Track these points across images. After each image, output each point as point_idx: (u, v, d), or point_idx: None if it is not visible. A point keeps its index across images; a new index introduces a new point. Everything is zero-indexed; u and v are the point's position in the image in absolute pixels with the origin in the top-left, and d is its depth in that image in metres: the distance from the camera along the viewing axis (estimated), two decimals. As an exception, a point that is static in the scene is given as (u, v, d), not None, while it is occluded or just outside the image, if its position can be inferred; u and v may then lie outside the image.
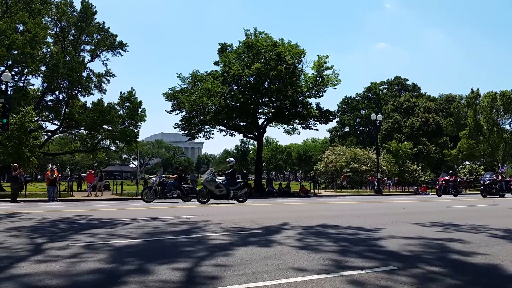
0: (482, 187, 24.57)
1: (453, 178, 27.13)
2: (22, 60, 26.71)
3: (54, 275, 3.72)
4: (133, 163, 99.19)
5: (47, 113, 34.92)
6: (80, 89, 33.21)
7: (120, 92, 33.90)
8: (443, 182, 26.21)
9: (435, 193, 27.29)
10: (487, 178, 24.72)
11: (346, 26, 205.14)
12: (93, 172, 28.12)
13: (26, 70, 29.35)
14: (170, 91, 30.78)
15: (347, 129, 74.37)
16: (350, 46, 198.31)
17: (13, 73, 27.99)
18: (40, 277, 3.66)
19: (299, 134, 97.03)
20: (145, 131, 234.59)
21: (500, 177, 24.43)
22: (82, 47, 35.82)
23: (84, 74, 33.86)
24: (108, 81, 36.92)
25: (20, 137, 22.12)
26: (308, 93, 30.25)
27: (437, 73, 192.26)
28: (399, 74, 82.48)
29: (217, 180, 16.47)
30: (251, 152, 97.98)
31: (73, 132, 36.48)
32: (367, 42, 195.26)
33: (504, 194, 23.72)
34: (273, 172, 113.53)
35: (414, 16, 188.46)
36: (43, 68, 29.97)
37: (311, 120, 31.08)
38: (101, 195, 23.47)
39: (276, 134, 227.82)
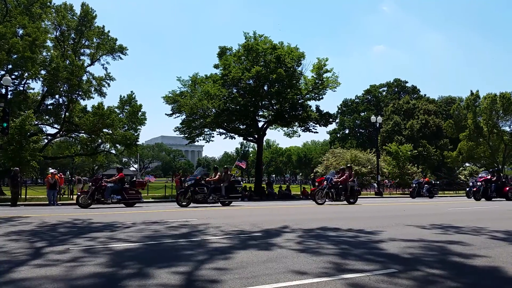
0: (467, 189, 22.86)
1: (427, 180, 28.39)
2: (22, 64, 26.76)
3: (54, 279, 3.72)
4: (133, 167, 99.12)
5: (47, 117, 34.96)
6: (80, 93, 33.27)
7: (120, 96, 33.99)
8: (417, 185, 27.64)
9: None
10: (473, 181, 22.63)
11: (344, 29, 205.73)
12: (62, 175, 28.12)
13: (26, 74, 29.40)
14: (170, 95, 30.83)
15: (347, 131, 74.41)
16: (348, 49, 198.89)
17: (13, 77, 28.05)
18: (40, 281, 3.65)
19: (299, 136, 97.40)
20: (145, 135, 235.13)
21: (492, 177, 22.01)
22: (82, 51, 35.91)
23: (84, 77, 33.93)
24: (108, 84, 37.02)
25: (20, 141, 22.14)
26: (308, 95, 30.31)
27: (436, 75, 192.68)
28: (398, 76, 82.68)
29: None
30: (251, 155, 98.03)
31: (73, 135, 36.50)
32: (365, 45, 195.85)
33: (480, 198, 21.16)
34: (273, 175, 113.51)
35: (411, 19, 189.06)
36: (43, 72, 30.03)
37: (311, 123, 31.13)
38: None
39: (276, 136, 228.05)
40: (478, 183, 21.43)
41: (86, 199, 15.53)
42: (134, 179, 17.78)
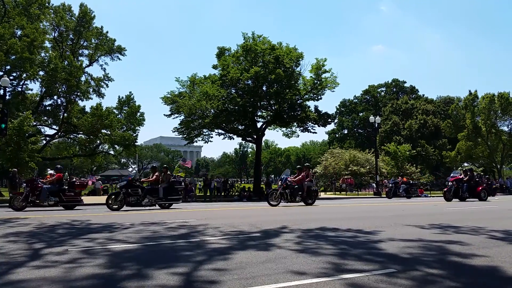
0: (445, 189, 21.18)
1: (404, 179, 27.59)
2: (20, 65, 26.74)
3: (52, 281, 3.71)
4: (131, 167, 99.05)
5: (45, 117, 34.95)
6: (78, 94, 33.28)
7: (119, 96, 34.01)
8: (393, 185, 26.77)
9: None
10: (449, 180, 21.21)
11: (342, 29, 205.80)
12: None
13: (24, 75, 29.39)
14: (168, 95, 30.85)
15: (345, 131, 74.46)
16: (346, 49, 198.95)
17: (11, 78, 28.01)
18: (39, 283, 3.64)
19: (298, 137, 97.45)
20: (144, 135, 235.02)
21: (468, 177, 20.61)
22: (80, 51, 35.93)
23: (83, 78, 33.97)
24: (107, 85, 37.06)
25: (18, 142, 22.11)
26: (307, 96, 30.36)
27: (434, 75, 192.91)
28: (396, 77, 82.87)
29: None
30: (250, 155, 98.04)
31: (71, 136, 36.50)
32: (363, 45, 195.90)
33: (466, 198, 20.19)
34: (272, 175, 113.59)
35: (410, 18, 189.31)
36: (41, 73, 30.02)
37: (310, 123, 31.18)
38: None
39: (275, 137, 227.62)
40: (449, 183, 20.69)
41: (19, 202, 14.13)
42: (74, 179, 16.30)
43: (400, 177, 28.40)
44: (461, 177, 20.64)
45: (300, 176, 16.88)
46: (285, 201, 16.51)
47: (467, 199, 20.02)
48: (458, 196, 20.11)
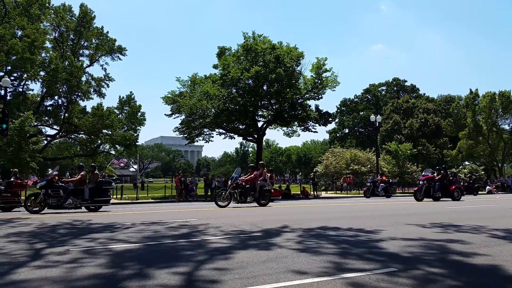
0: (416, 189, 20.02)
1: (383, 178, 26.88)
2: (21, 65, 26.79)
3: (54, 281, 3.71)
4: (133, 167, 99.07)
5: (46, 118, 35.00)
6: (79, 94, 33.32)
7: (119, 96, 34.03)
8: (371, 184, 26.06)
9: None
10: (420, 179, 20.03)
11: (343, 29, 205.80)
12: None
13: (25, 75, 29.45)
14: (169, 95, 30.88)
15: (346, 130, 74.42)
16: (347, 48, 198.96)
17: (12, 78, 28.06)
18: (40, 283, 3.64)
19: (299, 136, 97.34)
20: (145, 135, 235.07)
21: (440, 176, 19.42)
22: (81, 51, 35.97)
23: (83, 78, 34.00)
24: (107, 85, 37.10)
25: (19, 142, 22.13)
26: (307, 95, 30.36)
27: (435, 74, 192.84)
28: (397, 76, 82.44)
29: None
30: (251, 154, 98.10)
31: (72, 136, 36.54)
32: (363, 44, 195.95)
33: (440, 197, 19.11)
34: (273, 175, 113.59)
35: (410, 17, 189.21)
36: (42, 73, 30.07)
37: (311, 122, 31.20)
38: None
39: (276, 136, 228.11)
40: (420, 182, 19.65)
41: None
42: (12, 179, 15.55)
43: (379, 176, 27.92)
44: (432, 175, 19.53)
45: (252, 175, 15.62)
46: (235, 202, 15.25)
47: (441, 199, 19.00)
48: (429, 195, 18.99)
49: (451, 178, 19.85)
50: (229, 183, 15.65)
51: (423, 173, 21.41)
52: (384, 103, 67.96)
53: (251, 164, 18.39)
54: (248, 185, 15.31)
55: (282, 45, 29.41)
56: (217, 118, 28.36)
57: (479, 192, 32.76)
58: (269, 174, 16.46)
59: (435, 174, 19.60)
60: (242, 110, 28.72)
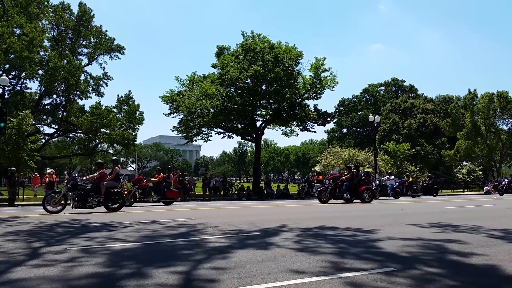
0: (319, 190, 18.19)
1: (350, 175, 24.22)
2: (19, 63, 26.72)
3: (51, 280, 3.71)
4: (131, 166, 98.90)
5: (44, 116, 34.92)
6: (77, 93, 33.27)
7: (118, 95, 34.02)
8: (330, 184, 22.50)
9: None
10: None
11: (341, 28, 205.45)
12: (38, 175, 28.41)
13: (23, 74, 29.38)
14: (167, 94, 30.86)
15: (344, 130, 74.47)
16: (345, 48, 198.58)
17: (10, 76, 27.99)
18: (38, 282, 3.64)
19: (297, 136, 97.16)
20: (143, 134, 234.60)
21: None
22: (79, 50, 35.92)
23: (82, 77, 33.94)
24: (106, 84, 37.06)
25: (17, 141, 22.04)
26: (306, 95, 30.36)
27: (433, 74, 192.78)
28: (395, 75, 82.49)
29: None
30: (249, 154, 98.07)
31: (70, 135, 36.46)
32: (362, 44, 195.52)
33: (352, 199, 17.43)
34: (272, 174, 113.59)
35: (408, 17, 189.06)
36: (40, 72, 29.99)
37: (309, 122, 31.19)
38: None
39: (274, 136, 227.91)
40: (326, 182, 17.89)
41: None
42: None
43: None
44: (338, 175, 17.84)
45: (97, 174, 13.02)
46: (72, 207, 12.58)
47: (353, 201, 17.24)
48: (333, 196, 17.14)
49: (363, 178, 17.89)
50: (65, 183, 13.28)
51: (331, 172, 19.81)
52: (383, 103, 68.01)
53: (98, 161, 14.86)
54: (89, 186, 12.80)
55: (281, 44, 29.41)
56: (216, 118, 28.34)
57: (478, 193, 32.78)
58: (118, 170, 13.81)
59: (346, 173, 17.93)
60: (241, 110, 28.70)
